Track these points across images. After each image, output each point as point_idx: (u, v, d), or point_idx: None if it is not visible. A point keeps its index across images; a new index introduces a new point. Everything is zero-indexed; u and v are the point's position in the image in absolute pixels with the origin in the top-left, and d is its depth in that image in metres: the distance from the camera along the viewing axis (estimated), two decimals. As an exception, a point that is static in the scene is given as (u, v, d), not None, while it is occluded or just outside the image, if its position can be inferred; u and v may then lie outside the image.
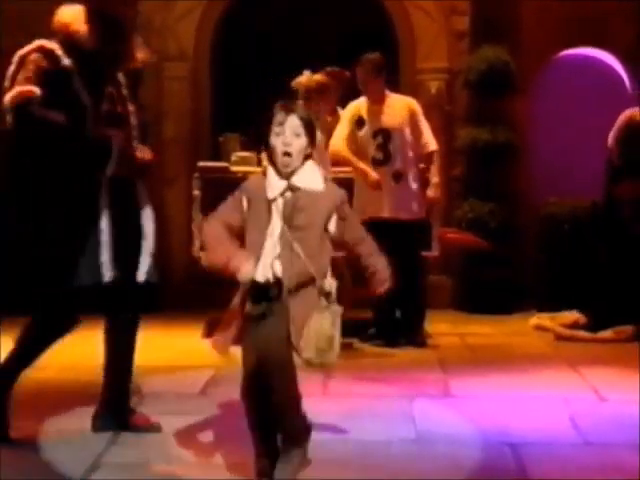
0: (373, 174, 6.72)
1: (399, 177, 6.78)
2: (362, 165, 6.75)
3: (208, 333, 7.25)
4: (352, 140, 6.81)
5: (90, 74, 4.25)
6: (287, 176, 3.60)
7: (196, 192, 7.08)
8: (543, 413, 4.88)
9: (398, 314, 6.85)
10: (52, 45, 4.25)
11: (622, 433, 4.48)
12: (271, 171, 3.63)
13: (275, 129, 3.60)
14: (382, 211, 6.68)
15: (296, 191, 3.59)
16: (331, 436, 4.40)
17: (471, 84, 8.45)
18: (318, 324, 3.52)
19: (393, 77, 8.72)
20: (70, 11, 4.30)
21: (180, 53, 8.90)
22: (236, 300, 3.69)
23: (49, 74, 4.19)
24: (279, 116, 3.60)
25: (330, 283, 3.58)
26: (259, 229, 3.58)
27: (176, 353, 6.55)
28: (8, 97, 4.16)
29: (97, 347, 6.70)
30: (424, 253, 7.05)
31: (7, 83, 4.25)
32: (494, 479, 3.95)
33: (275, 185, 3.60)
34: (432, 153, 6.92)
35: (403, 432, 4.55)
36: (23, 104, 4.12)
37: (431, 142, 6.93)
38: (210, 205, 6.90)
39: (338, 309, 3.58)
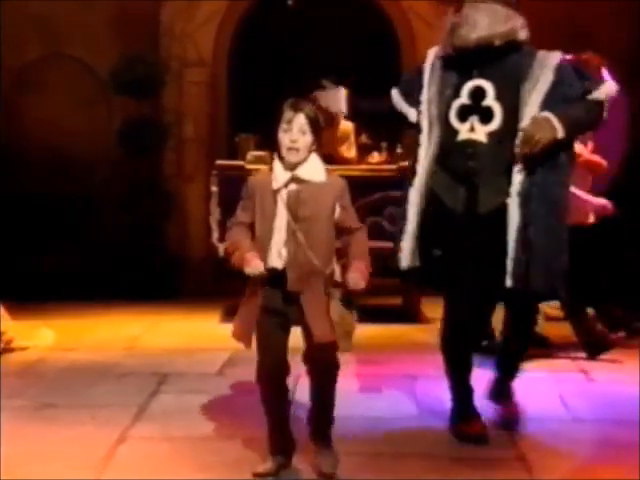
0: None
1: None
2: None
3: (225, 318, 7.28)
4: None
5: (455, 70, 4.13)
6: (292, 168, 3.58)
7: (214, 188, 7.10)
8: (535, 392, 4.88)
9: None
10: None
11: (608, 410, 4.49)
12: (277, 164, 3.61)
13: (283, 126, 3.57)
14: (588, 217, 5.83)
15: (300, 183, 3.56)
16: (339, 413, 4.41)
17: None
18: (338, 312, 3.55)
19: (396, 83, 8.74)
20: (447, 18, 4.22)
21: (199, 59, 8.91)
22: (248, 291, 3.66)
23: (413, 70, 4.28)
24: (287, 114, 3.57)
25: (337, 271, 3.58)
26: (266, 219, 3.57)
27: (195, 336, 6.57)
28: None
29: (122, 329, 6.76)
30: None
31: None
32: (489, 453, 3.96)
33: (280, 176, 3.58)
34: None
35: (406, 409, 4.57)
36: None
37: None
38: (227, 200, 7.00)
39: (335, 292, 3.62)
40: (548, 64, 4.04)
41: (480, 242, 3.99)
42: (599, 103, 4.07)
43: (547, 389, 4.78)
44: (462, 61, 4.08)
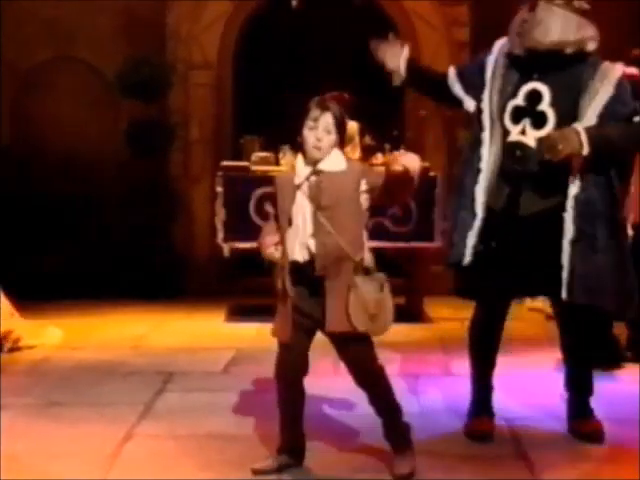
0: None
1: None
2: None
3: (229, 317, 7.29)
4: None
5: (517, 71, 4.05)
6: (314, 163, 3.58)
7: (219, 189, 7.09)
8: (535, 390, 4.88)
9: None
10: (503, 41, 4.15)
11: (608, 409, 4.47)
12: (300, 159, 3.62)
13: (309, 123, 3.57)
14: None
15: (320, 174, 3.56)
16: (342, 411, 4.42)
17: (470, 90, 8.43)
18: (363, 294, 3.50)
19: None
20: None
21: (205, 62, 8.91)
22: (278, 284, 3.63)
23: (477, 61, 4.18)
24: (314, 112, 3.57)
25: (369, 258, 3.55)
26: (289, 213, 3.57)
27: (200, 336, 6.57)
28: None
29: (128, 328, 6.76)
30: (427, 245, 7.00)
31: None
32: (491, 450, 3.96)
33: (302, 172, 3.59)
34: None
35: (408, 407, 4.53)
36: None
37: None
38: (232, 200, 7.01)
39: (381, 275, 3.56)
40: (610, 77, 3.96)
41: (517, 245, 3.96)
42: None
43: (548, 387, 4.77)
44: (525, 62, 4.02)
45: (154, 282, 8.10)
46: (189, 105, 8.87)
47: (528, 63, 4.02)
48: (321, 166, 3.57)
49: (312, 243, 3.53)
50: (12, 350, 5.84)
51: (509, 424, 4.26)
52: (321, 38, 8.92)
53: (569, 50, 3.96)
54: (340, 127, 3.59)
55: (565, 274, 3.90)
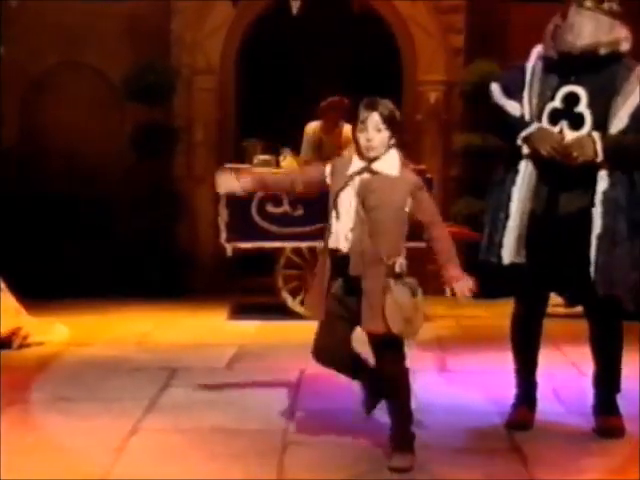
0: None
1: None
2: None
3: (232, 315, 7.30)
4: None
5: (555, 74, 4.04)
6: (369, 160, 3.59)
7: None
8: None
9: None
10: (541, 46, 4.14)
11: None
12: (356, 156, 3.63)
13: (359, 125, 3.59)
14: None
15: (373, 174, 3.57)
16: (342, 407, 4.42)
17: (466, 95, 8.45)
18: (398, 297, 3.52)
19: (396, 89, 8.73)
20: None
21: (208, 67, 8.92)
22: (318, 267, 3.71)
23: (517, 68, 4.16)
24: (362, 114, 3.59)
25: (401, 264, 3.56)
26: (335, 200, 3.59)
27: (203, 332, 6.58)
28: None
29: (134, 326, 6.77)
30: (424, 244, 7.01)
31: None
32: (486, 444, 3.97)
33: (356, 164, 3.61)
34: None
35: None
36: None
37: None
38: (234, 202, 7.01)
39: (412, 281, 3.58)
40: None
41: (555, 243, 3.96)
42: None
43: (541, 383, 4.77)
44: (562, 65, 4.03)
45: (159, 281, 8.11)
46: (193, 109, 8.89)
47: (564, 67, 4.02)
48: (376, 166, 3.58)
49: (350, 237, 3.55)
50: (21, 346, 5.85)
51: (503, 418, 4.26)
52: (321, 43, 8.93)
53: (603, 51, 3.97)
54: (390, 123, 3.59)
55: (592, 268, 3.89)
